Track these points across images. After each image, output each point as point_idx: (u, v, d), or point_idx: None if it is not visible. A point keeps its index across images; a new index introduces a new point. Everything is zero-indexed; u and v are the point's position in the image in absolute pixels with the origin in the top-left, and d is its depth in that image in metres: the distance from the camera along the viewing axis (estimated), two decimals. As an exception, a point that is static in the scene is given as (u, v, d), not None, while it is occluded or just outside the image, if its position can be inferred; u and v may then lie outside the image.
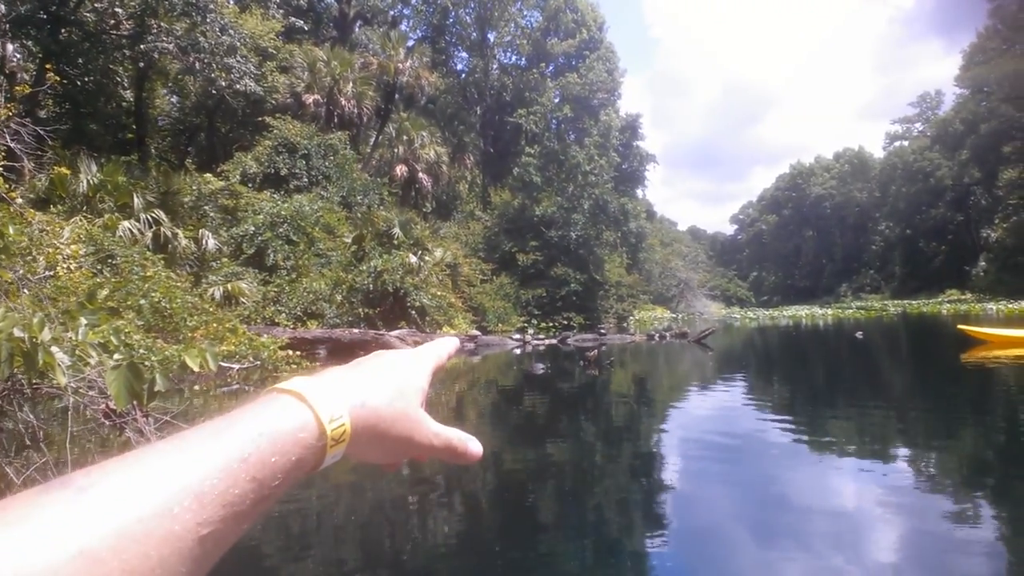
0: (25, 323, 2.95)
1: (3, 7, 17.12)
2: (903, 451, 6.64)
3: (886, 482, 5.36)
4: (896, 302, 62.63)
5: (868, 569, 3.78)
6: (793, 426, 8.09)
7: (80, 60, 19.38)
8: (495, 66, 44.30)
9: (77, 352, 3.42)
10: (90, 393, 3.30)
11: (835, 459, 6.26)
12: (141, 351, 9.04)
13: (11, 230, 3.96)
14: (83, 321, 4.12)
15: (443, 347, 0.60)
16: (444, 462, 0.55)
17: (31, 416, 2.96)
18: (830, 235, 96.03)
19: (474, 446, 0.55)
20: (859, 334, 23.35)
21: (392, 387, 0.50)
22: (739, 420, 8.46)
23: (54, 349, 3.28)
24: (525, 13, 44.11)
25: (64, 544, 0.30)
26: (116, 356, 2.94)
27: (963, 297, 57.28)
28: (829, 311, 52.65)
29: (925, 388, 11.31)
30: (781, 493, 5.29)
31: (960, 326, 17.55)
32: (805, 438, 7.40)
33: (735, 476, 5.89)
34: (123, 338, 8.82)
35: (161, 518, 0.34)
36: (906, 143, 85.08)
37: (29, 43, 17.85)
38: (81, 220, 13.11)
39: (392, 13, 42.68)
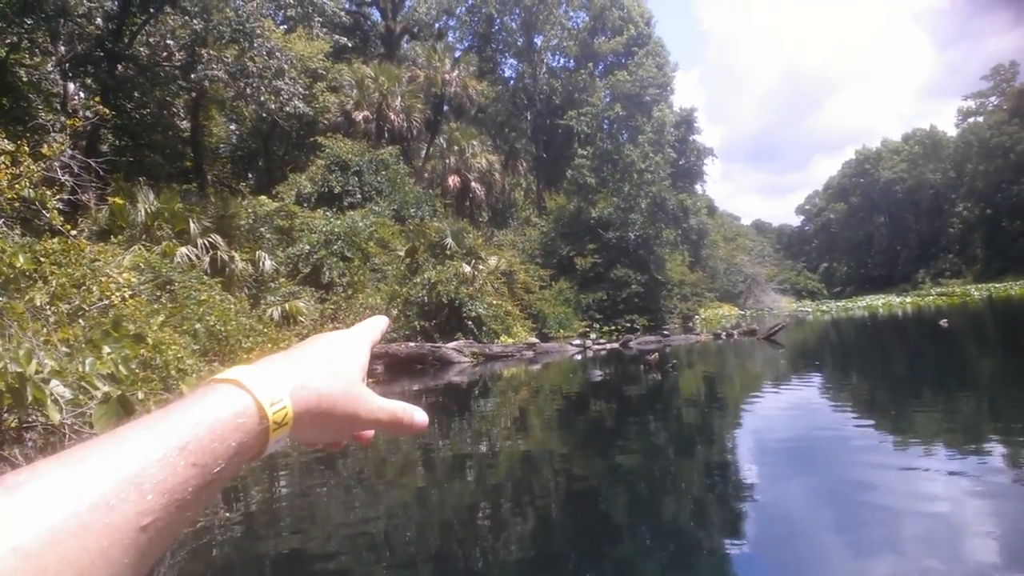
0: (13, 356, 2.71)
1: (62, 48, 17.77)
2: (995, 446, 5.89)
3: (978, 480, 4.78)
4: (980, 286, 59.11)
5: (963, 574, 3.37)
6: (875, 423, 7.40)
7: (136, 93, 20.03)
8: (543, 70, 44.01)
9: (83, 384, 3.21)
10: (92, 431, 3.05)
11: (922, 457, 5.64)
12: (193, 376, 8.96)
13: (21, 259, 3.79)
14: (106, 349, 3.91)
15: (375, 324, 0.62)
16: (391, 435, 0.56)
17: (20, 458, 2.74)
18: (903, 220, 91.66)
19: (419, 416, 0.56)
20: (943, 322, 21.82)
21: (332, 366, 0.51)
22: (816, 418, 7.85)
23: (54, 383, 3.05)
24: (571, 14, 43.76)
25: None
26: (105, 388, 2.66)
27: (1055, 277, 53.73)
28: (907, 299, 50.11)
29: (1019, 376, 10.34)
30: (866, 494, 4.77)
31: None
32: (889, 435, 6.73)
33: (815, 478, 5.43)
34: (177, 363, 8.72)
35: (98, 510, 0.34)
36: (981, 119, 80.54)
37: (88, 80, 18.45)
38: (140, 248, 13.35)
39: (438, 26, 42.97)
